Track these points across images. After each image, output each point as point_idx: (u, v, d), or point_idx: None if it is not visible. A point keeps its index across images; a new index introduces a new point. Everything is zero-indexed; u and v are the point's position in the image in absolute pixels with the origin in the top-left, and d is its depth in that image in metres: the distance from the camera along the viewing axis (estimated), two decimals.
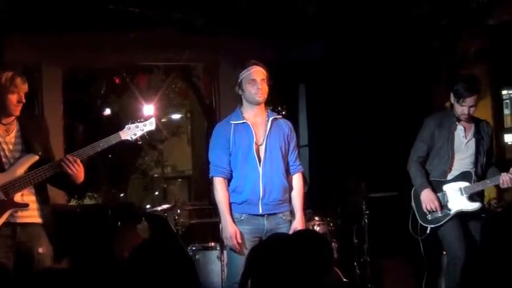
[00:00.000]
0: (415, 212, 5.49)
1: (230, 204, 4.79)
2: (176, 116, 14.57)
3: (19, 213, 4.27)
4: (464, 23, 7.38)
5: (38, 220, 4.35)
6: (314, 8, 7.01)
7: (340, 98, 7.97)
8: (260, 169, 4.76)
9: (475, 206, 5.38)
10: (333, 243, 6.15)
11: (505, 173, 5.29)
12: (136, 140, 4.49)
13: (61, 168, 4.26)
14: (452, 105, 5.45)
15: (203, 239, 6.73)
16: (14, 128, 4.37)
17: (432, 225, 5.39)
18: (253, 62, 4.84)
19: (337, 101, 8.00)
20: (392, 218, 6.38)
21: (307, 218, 5.88)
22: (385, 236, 6.72)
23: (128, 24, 7.17)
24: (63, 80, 7.98)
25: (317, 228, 6.15)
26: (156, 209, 6.79)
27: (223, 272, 5.74)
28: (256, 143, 4.79)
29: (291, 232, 4.73)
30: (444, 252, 5.58)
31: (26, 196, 4.30)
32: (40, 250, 4.31)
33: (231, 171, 4.82)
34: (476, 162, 5.40)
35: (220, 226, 4.91)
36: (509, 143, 8.08)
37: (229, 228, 4.73)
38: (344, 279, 5.96)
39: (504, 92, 8.09)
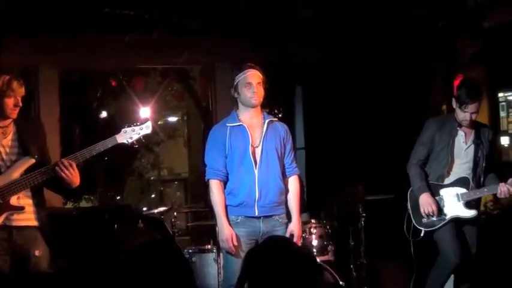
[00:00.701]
0: (411, 214, 5.49)
1: (226, 206, 4.79)
2: (173, 119, 14.54)
3: (15, 216, 4.27)
4: (461, 25, 7.39)
5: (34, 223, 4.35)
6: (310, 10, 7.01)
7: (337, 100, 7.97)
8: (256, 171, 4.76)
9: (471, 213, 5.35)
10: (330, 246, 6.16)
11: (503, 184, 5.25)
12: (132, 143, 4.49)
13: (55, 172, 4.26)
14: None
15: (200, 241, 6.73)
16: (11, 130, 4.37)
17: (426, 229, 5.39)
18: (249, 65, 4.83)
19: (334, 103, 8.00)
20: (389, 220, 6.36)
21: (304, 220, 5.88)
22: (381, 239, 6.72)
23: (124, 27, 7.18)
24: (60, 82, 7.98)
25: (314, 231, 6.15)
26: (152, 211, 6.77)
27: (220, 274, 5.73)
28: (252, 145, 4.79)
29: (287, 235, 4.74)
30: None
31: (22, 199, 4.30)
32: (36, 253, 4.32)
33: (227, 173, 4.82)
34: (475, 168, 5.38)
35: (217, 229, 4.91)
36: (506, 146, 8.07)
37: (225, 230, 4.73)
38: (340, 282, 5.95)
39: (500, 94, 8.06)
